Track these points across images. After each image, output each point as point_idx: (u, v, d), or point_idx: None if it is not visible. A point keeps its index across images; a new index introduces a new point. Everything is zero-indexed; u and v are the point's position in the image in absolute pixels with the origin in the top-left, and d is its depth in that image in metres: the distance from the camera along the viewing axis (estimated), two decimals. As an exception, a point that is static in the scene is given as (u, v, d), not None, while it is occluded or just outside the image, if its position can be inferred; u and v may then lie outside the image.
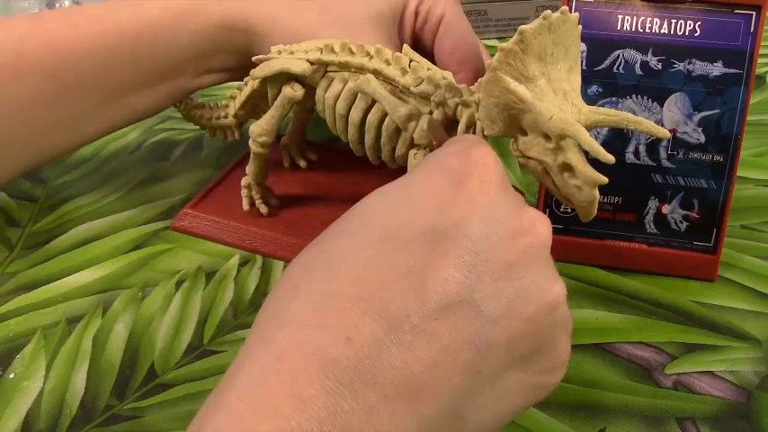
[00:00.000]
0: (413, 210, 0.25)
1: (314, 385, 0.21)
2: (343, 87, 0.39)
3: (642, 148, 0.40)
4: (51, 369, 0.38)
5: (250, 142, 0.43)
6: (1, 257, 0.46)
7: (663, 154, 0.40)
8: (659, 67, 0.39)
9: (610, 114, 0.28)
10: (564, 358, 0.27)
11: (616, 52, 0.39)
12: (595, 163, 0.28)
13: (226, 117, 0.48)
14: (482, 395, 0.24)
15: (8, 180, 0.46)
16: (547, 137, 0.28)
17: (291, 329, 0.23)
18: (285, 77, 0.41)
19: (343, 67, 0.39)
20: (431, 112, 0.35)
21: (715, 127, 0.39)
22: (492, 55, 0.31)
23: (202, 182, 0.51)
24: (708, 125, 0.39)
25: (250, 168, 0.44)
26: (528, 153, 0.29)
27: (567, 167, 0.28)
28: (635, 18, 0.39)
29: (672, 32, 0.39)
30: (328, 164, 0.51)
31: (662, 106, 0.39)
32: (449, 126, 0.34)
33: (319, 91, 0.40)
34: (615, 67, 0.39)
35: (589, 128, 0.28)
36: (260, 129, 0.42)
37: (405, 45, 0.38)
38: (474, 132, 0.33)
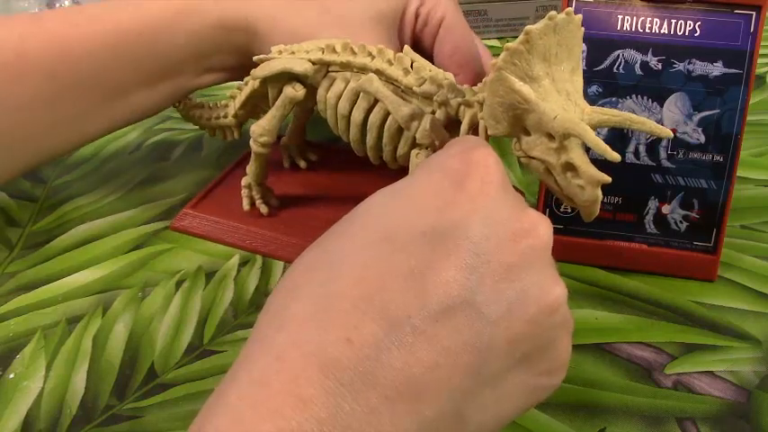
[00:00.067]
0: (414, 211, 0.25)
1: (314, 385, 0.21)
2: (345, 87, 0.39)
3: (642, 148, 0.40)
4: (51, 369, 0.38)
5: (251, 142, 0.43)
6: (1, 257, 0.46)
7: (663, 154, 0.40)
8: (659, 67, 0.39)
9: (613, 115, 0.28)
10: (565, 359, 0.27)
11: (616, 52, 0.39)
12: (596, 162, 0.28)
13: (225, 117, 0.48)
14: (483, 396, 0.24)
15: (8, 180, 0.46)
16: (550, 136, 0.28)
17: (292, 330, 0.23)
18: (286, 77, 0.41)
19: (346, 66, 0.39)
20: (433, 112, 0.35)
21: (715, 127, 0.39)
22: (495, 55, 0.31)
23: (202, 182, 0.51)
24: (708, 125, 0.39)
25: (250, 168, 0.44)
26: (531, 153, 0.29)
27: (570, 167, 0.28)
28: (635, 18, 0.39)
29: (672, 32, 0.39)
30: (328, 164, 0.51)
31: (662, 106, 0.39)
32: (451, 126, 0.34)
33: (321, 91, 0.40)
34: (615, 67, 0.39)
35: (593, 128, 0.28)
36: (261, 129, 0.42)
37: (405, 46, 0.38)
38: (476, 132, 0.33)
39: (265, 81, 0.42)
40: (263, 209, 0.46)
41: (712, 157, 0.39)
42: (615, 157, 0.26)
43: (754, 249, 0.43)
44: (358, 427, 0.21)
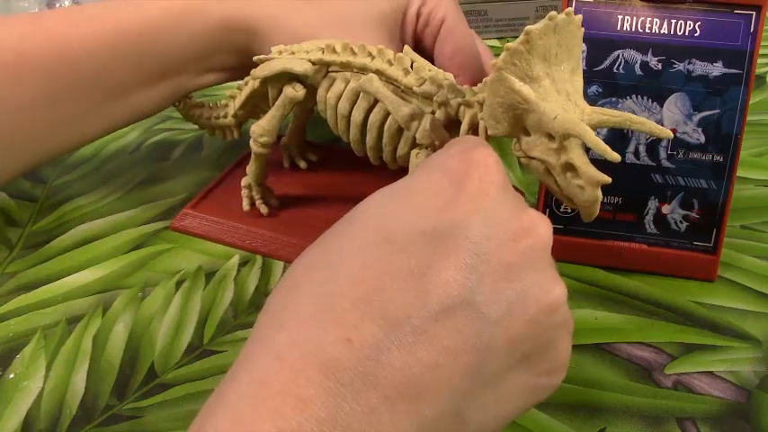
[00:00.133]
0: (414, 211, 0.25)
1: (314, 385, 0.21)
2: (345, 87, 0.39)
3: (642, 149, 0.40)
4: (51, 369, 0.38)
5: (251, 142, 0.43)
6: (1, 257, 0.46)
7: (663, 154, 0.40)
8: (659, 67, 0.39)
9: (613, 115, 0.28)
10: (565, 359, 0.27)
11: (616, 52, 0.39)
12: (596, 162, 0.28)
13: (225, 117, 0.48)
14: (483, 396, 0.24)
15: (8, 180, 0.46)
16: (550, 137, 0.28)
17: (292, 330, 0.23)
18: (286, 77, 0.41)
19: (346, 67, 0.39)
20: (433, 113, 0.35)
21: (715, 127, 0.39)
22: (495, 55, 0.31)
23: (202, 182, 0.51)
24: (708, 125, 0.39)
25: (250, 168, 0.44)
26: (531, 153, 0.29)
27: (570, 167, 0.28)
28: (635, 18, 0.39)
29: (672, 32, 0.39)
30: (328, 164, 0.51)
31: (662, 106, 0.39)
32: (451, 126, 0.34)
33: (321, 91, 0.40)
34: (615, 67, 0.39)
35: (593, 128, 0.28)
36: (261, 129, 0.42)
37: (405, 46, 0.38)
38: (476, 133, 0.33)
39: (265, 81, 0.42)
40: (263, 209, 0.46)
41: (712, 157, 0.39)
42: (615, 157, 0.26)
43: (754, 249, 0.43)
44: (358, 427, 0.21)
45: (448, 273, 0.24)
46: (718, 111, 0.39)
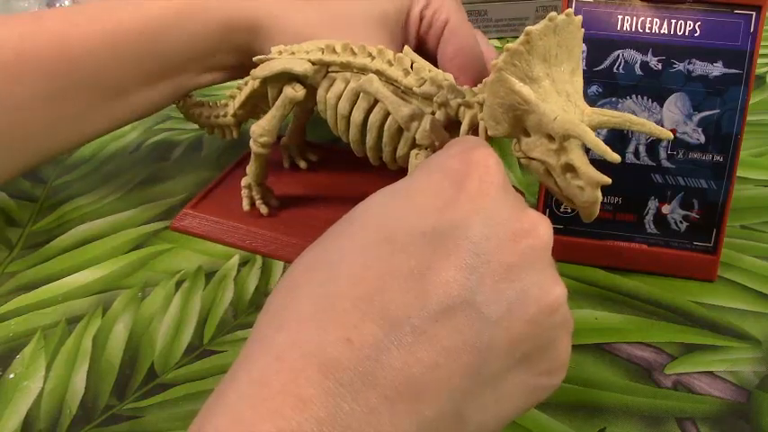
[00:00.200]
0: (414, 211, 0.25)
1: (314, 385, 0.21)
2: (345, 87, 0.39)
3: (642, 149, 0.40)
4: (51, 369, 0.38)
5: (251, 143, 0.43)
6: (1, 257, 0.46)
7: (663, 154, 0.40)
8: (659, 67, 0.39)
9: (613, 116, 0.28)
10: (565, 360, 0.27)
11: (616, 52, 0.39)
12: (596, 162, 0.28)
13: (225, 116, 0.48)
14: (483, 396, 0.24)
15: (8, 179, 0.46)
16: (550, 138, 0.28)
17: (291, 330, 0.23)
18: (286, 78, 0.41)
19: (346, 67, 0.39)
20: (433, 113, 0.35)
21: (715, 127, 0.39)
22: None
23: (202, 182, 0.51)
24: (708, 125, 0.39)
25: (250, 169, 0.44)
26: (531, 154, 0.29)
27: (569, 168, 0.28)
28: (635, 18, 0.39)
29: (672, 32, 0.39)
30: (328, 164, 0.51)
31: (662, 106, 0.39)
32: (451, 127, 0.34)
33: (321, 91, 0.40)
34: (615, 67, 0.39)
35: (593, 129, 0.28)
36: (261, 129, 0.42)
37: (405, 46, 0.38)
38: (476, 133, 0.33)
39: (265, 81, 0.42)
40: (263, 209, 0.46)
41: (712, 157, 0.39)
42: (615, 158, 0.26)
43: (754, 249, 0.43)
44: (357, 428, 0.21)
45: (448, 273, 0.24)
46: (718, 111, 0.39)
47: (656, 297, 0.40)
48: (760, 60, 0.63)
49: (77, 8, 0.45)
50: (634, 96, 0.39)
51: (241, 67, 0.46)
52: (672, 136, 0.29)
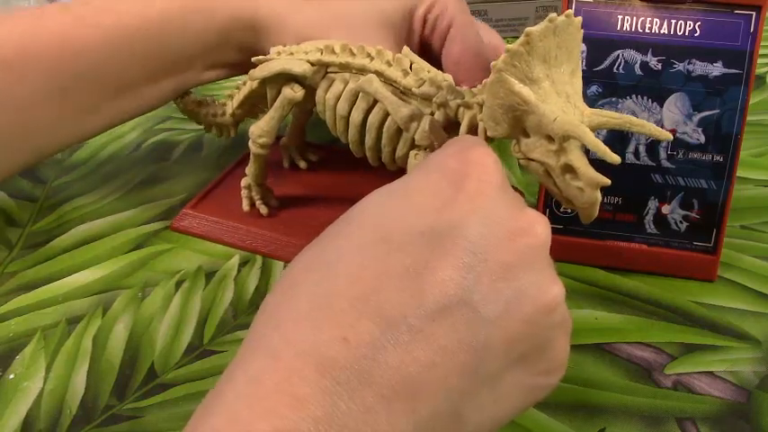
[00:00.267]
0: (411, 210, 0.25)
1: (310, 385, 0.21)
2: (344, 88, 0.39)
3: (642, 149, 0.40)
4: (51, 369, 0.38)
5: (250, 143, 0.43)
6: (1, 257, 0.46)
7: (663, 154, 0.40)
8: (659, 67, 0.39)
9: (612, 117, 0.28)
10: (562, 359, 0.27)
11: (616, 52, 0.39)
12: (595, 163, 0.28)
13: (223, 115, 0.48)
14: (480, 396, 0.24)
15: (10, 176, 0.46)
16: (550, 139, 0.28)
17: (288, 329, 0.23)
18: (285, 78, 0.41)
19: (344, 68, 0.39)
20: (432, 114, 0.35)
21: (715, 127, 0.39)
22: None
23: (202, 182, 0.51)
24: (708, 125, 0.39)
25: (250, 169, 0.44)
26: (530, 155, 0.29)
27: (569, 169, 0.28)
28: (635, 18, 0.39)
29: (672, 33, 0.39)
30: (328, 165, 0.51)
31: (662, 106, 0.39)
32: (450, 128, 0.34)
33: (320, 92, 0.40)
34: (615, 67, 0.39)
35: (592, 130, 0.28)
36: (259, 130, 0.42)
37: (405, 47, 0.38)
38: (476, 134, 0.33)
39: (264, 82, 0.42)
40: (263, 209, 0.46)
41: (712, 157, 0.39)
42: (615, 159, 0.26)
43: (753, 249, 0.43)
44: (354, 426, 0.21)
45: (445, 272, 0.24)
46: (718, 111, 0.39)
47: (656, 297, 0.40)
48: (760, 60, 0.63)
49: (81, 2, 0.45)
50: (634, 96, 0.39)
51: (244, 65, 0.46)
52: (671, 137, 0.29)
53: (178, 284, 0.43)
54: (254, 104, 0.45)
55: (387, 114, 0.37)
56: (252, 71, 0.42)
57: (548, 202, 0.41)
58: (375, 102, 0.38)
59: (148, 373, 0.37)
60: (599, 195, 0.28)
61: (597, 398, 0.35)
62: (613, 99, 0.39)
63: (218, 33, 0.45)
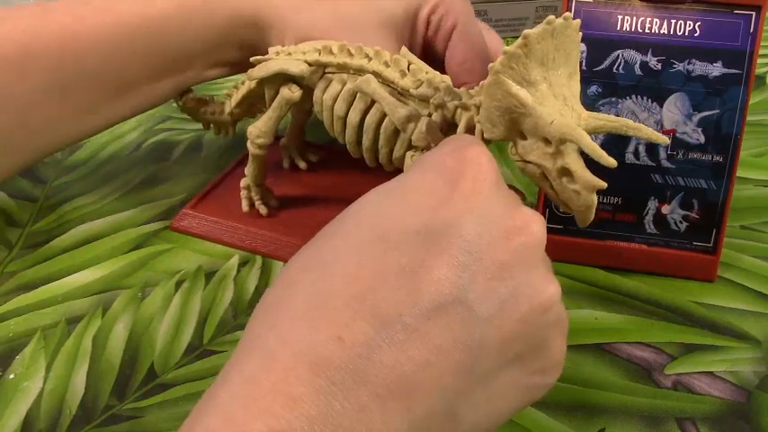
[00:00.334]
0: (407, 209, 0.25)
1: (305, 384, 0.21)
2: (342, 88, 0.39)
3: (642, 149, 0.40)
4: (51, 369, 0.38)
5: (248, 144, 0.43)
6: (1, 257, 0.46)
7: (662, 154, 0.40)
8: (659, 67, 0.39)
9: (609, 120, 0.28)
10: (558, 359, 0.27)
11: (616, 52, 0.39)
12: (593, 165, 0.28)
13: (222, 113, 0.48)
14: (475, 395, 0.24)
15: (12, 174, 0.46)
16: (547, 141, 0.28)
17: (283, 329, 0.23)
18: (282, 79, 0.41)
19: (342, 68, 0.39)
20: (429, 115, 0.35)
21: (715, 127, 0.39)
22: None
23: (202, 182, 0.51)
24: (708, 125, 0.39)
25: (249, 169, 0.44)
26: (527, 157, 0.29)
27: (566, 172, 0.28)
28: (635, 18, 0.39)
29: (671, 33, 0.39)
30: (328, 165, 0.51)
31: (661, 106, 0.39)
32: (448, 129, 0.34)
33: (317, 92, 0.40)
34: (615, 67, 0.39)
35: (589, 133, 0.28)
36: (257, 130, 0.42)
37: (403, 47, 0.38)
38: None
39: (262, 82, 0.42)
40: (263, 210, 0.46)
41: (712, 158, 0.39)
42: (611, 162, 0.26)
43: (753, 249, 0.43)
44: (349, 426, 0.21)
45: (440, 271, 0.24)
46: (718, 111, 0.39)
47: (656, 297, 0.40)
48: (760, 60, 0.63)
49: (81, 3, 0.45)
50: (634, 96, 0.39)
51: (245, 63, 0.46)
52: (668, 141, 0.29)
53: (178, 284, 0.43)
54: (253, 104, 0.45)
55: (384, 115, 0.37)
56: (250, 71, 0.42)
57: (547, 203, 0.41)
58: (372, 102, 0.37)
59: (148, 373, 0.37)
60: (595, 198, 0.28)
61: (597, 398, 0.35)
62: (613, 99, 0.39)
63: (219, 31, 0.45)
